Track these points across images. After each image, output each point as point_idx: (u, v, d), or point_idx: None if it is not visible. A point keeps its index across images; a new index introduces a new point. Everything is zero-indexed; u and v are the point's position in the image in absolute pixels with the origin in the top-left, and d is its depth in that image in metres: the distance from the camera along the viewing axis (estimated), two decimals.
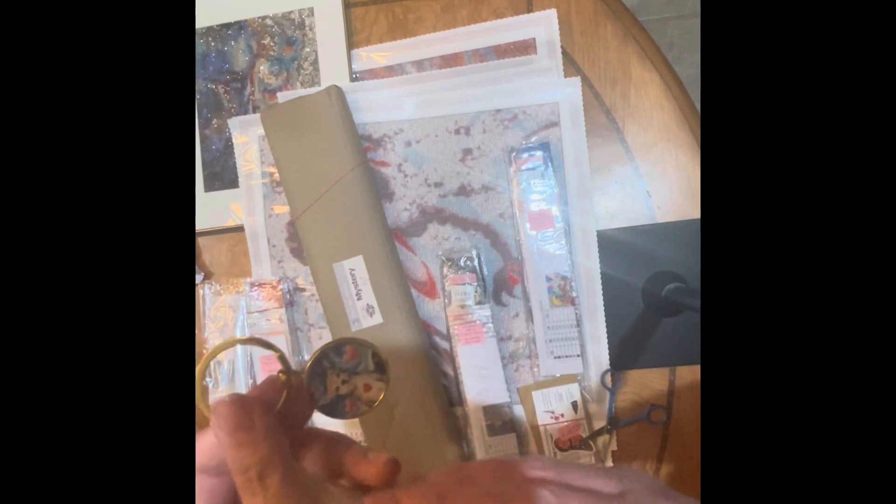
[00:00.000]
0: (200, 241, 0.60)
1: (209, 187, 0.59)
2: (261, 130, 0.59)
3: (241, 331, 0.57)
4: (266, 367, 0.57)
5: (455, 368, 0.55)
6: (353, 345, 0.26)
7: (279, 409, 0.24)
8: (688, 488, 0.54)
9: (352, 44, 0.59)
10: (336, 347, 0.25)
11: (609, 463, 0.54)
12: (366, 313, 0.54)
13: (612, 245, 0.55)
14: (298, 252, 0.59)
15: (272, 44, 0.60)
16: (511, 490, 0.23)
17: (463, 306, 0.54)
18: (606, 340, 0.54)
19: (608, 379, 0.54)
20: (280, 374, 0.25)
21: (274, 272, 0.59)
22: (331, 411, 0.25)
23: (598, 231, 0.55)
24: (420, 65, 0.58)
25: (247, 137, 0.59)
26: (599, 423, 0.54)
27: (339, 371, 0.25)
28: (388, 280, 0.54)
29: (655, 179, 0.55)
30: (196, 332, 0.59)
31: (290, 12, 0.59)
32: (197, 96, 0.60)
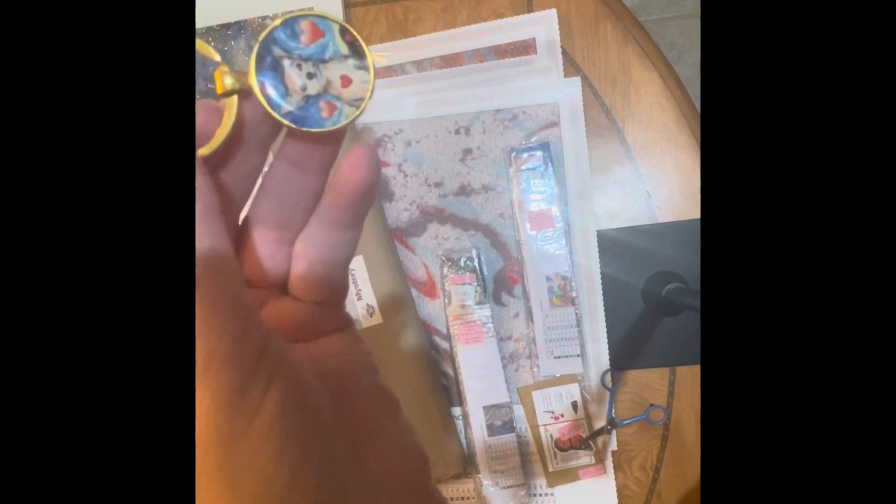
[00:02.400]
0: None
1: None
2: None
3: None
4: None
5: (455, 368, 0.55)
6: (310, 19, 0.17)
7: (217, 150, 0.17)
8: (688, 488, 0.54)
9: None
10: (286, 26, 0.17)
11: (609, 463, 0.54)
12: (366, 313, 0.54)
13: (612, 245, 0.55)
14: None
15: None
16: None
17: (463, 306, 0.54)
18: (606, 340, 0.54)
19: (608, 379, 0.54)
20: (215, 98, 0.17)
21: None
22: (301, 120, 0.17)
23: (598, 231, 0.55)
24: (420, 65, 0.58)
25: None
26: (599, 423, 0.54)
27: (299, 61, 0.17)
28: (388, 280, 0.54)
29: (655, 179, 0.55)
30: None
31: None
32: (197, 96, 0.60)
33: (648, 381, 0.55)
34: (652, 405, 0.53)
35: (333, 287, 0.20)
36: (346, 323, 0.21)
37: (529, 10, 0.56)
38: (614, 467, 0.54)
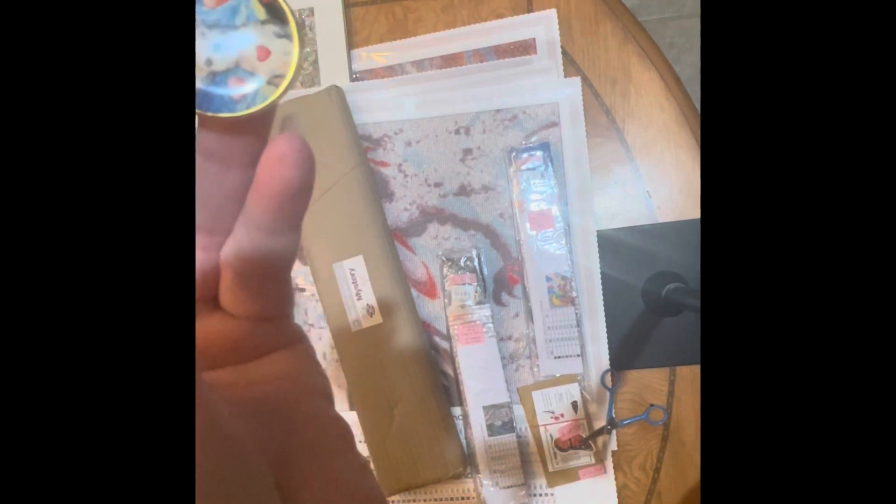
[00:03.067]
0: None
1: None
2: None
3: None
4: None
5: (455, 368, 0.55)
6: None
7: None
8: (688, 488, 0.54)
9: (352, 44, 0.59)
10: None
11: (609, 463, 0.54)
12: (366, 313, 0.54)
13: (612, 245, 0.55)
14: (298, 252, 0.59)
15: None
16: None
17: (463, 306, 0.54)
18: (606, 340, 0.54)
19: (608, 379, 0.54)
20: None
21: None
22: (207, 103, 0.14)
23: (598, 231, 0.55)
24: (420, 65, 0.58)
25: None
26: (599, 423, 0.54)
27: (203, 29, 0.14)
28: (388, 280, 0.54)
29: (655, 179, 0.55)
30: None
31: None
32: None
33: (648, 381, 0.55)
34: (652, 405, 0.53)
35: (272, 299, 0.17)
36: (294, 339, 0.19)
37: (529, 10, 0.56)
38: (614, 467, 0.54)
